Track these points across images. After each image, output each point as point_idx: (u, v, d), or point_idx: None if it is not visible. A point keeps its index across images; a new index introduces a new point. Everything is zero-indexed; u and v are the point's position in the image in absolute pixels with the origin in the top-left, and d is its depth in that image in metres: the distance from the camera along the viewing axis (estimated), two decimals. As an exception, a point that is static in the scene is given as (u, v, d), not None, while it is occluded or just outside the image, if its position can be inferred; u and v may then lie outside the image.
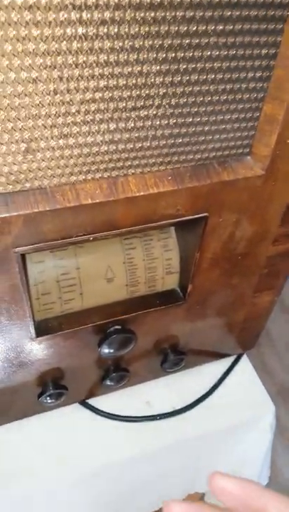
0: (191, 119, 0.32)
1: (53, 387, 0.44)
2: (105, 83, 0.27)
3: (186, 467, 0.59)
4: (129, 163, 0.32)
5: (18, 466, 0.47)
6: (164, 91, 0.29)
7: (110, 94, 0.28)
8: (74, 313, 0.41)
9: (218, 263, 0.42)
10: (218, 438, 0.57)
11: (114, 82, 0.28)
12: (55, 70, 0.26)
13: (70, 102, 0.27)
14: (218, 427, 0.55)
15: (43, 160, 0.29)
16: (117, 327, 0.42)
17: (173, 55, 0.28)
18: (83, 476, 0.48)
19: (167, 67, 0.28)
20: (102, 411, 0.52)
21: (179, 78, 0.29)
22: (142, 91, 0.29)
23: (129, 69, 0.27)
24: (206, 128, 0.33)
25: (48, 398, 0.45)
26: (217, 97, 0.31)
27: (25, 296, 0.34)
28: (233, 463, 0.62)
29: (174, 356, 0.49)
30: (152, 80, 0.28)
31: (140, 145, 0.31)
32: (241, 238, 0.41)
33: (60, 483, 0.47)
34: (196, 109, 0.31)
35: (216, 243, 0.40)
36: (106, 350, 0.43)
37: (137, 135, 0.31)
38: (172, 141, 0.32)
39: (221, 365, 0.60)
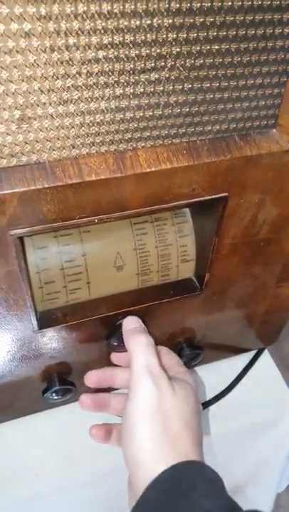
0: (208, 84, 0.28)
1: (59, 383, 0.41)
2: (109, 39, 0.24)
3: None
4: (139, 134, 0.28)
5: (23, 466, 0.44)
6: (178, 50, 0.26)
7: (116, 53, 0.24)
8: (80, 304, 0.38)
9: (238, 250, 0.38)
10: (235, 438, 0.53)
11: (120, 38, 0.24)
12: (51, 21, 0.22)
13: (70, 62, 0.24)
14: (236, 427, 0.52)
15: (41, 130, 0.26)
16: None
17: (188, 5, 0.24)
18: (92, 476, 0.46)
19: (181, 20, 0.24)
20: (113, 408, 0.49)
21: (195, 34, 0.25)
22: (153, 49, 0.25)
23: (137, 22, 0.24)
24: (226, 95, 0.29)
25: (53, 394, 0.42)
26: (239, 58, 0.27)
27: (25, 284, 0.31)
28: (251, 464, 0.59)
29: (189, 351, 0.46)
30: (164, 35, 0.25)
31: (151, 114, 0.28)
32: (264, 222, 0.37)
33: (66, 484, 0.45)
34: (214, 73, 0.27)
35: (236, 227, 0.36)
36: (115, 343, 0.39)
37: (147, 102, 0.27)
38: (187, 110, 0.29)
39: (240, 361, 0.56)
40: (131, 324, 0.37)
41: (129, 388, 0.34)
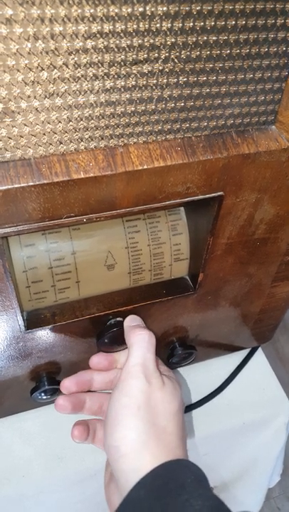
0: (205, 78, 0.26)
1: (47, 383, 0.40)
2: (99, 28, 0.22)
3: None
4: (130, 130, 0.27)
5: (10, 465, 0.44)
6: (173, 40, 0.24)
7: (105, 43, 0.23)
8: (69, 304, 0.37)
9: (233, 249, 0.37)
10: (229, 436, 0.53)
11: (110, 27, 0.22)
12: (35, 7, 0.20)
13: (56, 52, 0.22)
14: (230, 426, 0.51)
15: (25, 124, 0.24)
16: (118, 319, 0.38)
17: (184, -8, 0.22)
18: (80, 476, 0.45)
19: (176, 8, 0.23)
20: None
21: (192, 24, 0.24)
22: (146, 39, 0.23)
23: (129, 9, 0.22)
24: (224, 89, 0.27)
25: (42, 394, 0.41)
26: (238, 51, 0.26)
27: (10, 284, 0.30)
28: (243, 461, 0.58)
29: (182, 350, 0.45)
30: (158, 24, 0.23)
31: (143, 108, 0.26)
32: (261, 221, 0.36)
33: (54, 483, 0.44)
34: (211, 65, 0.26)
35: (231, 227, 0.35)
36: (105, 344, 0.38)
37: (139, 95, 0.26)
38: (182, 105, 0.27)
39: (233, 359, 0.55)
40: (133, 321, 0.37)
41: (120, 379, 0.33)
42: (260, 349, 0.57)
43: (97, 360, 0.38)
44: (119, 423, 0.31)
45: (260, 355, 0.56)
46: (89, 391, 0.40)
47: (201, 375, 0.53)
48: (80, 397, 0.38)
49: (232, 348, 0.53)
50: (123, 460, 0.30)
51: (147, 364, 0.34)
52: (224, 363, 0.54)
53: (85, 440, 0.38)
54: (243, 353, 0.56)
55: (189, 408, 0.50)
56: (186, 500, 0.27)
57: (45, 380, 0.40)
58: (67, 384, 0.38)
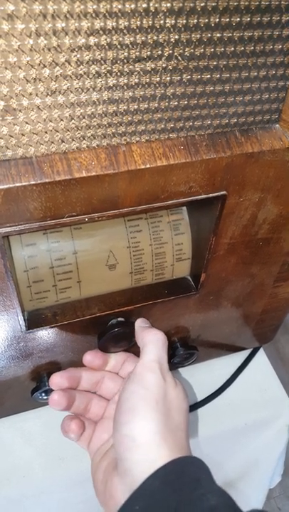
0: (209, 76, 0.26)
1: (48, 383, 0.40)
2: (102, 24, 0.22)
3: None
4: (133, 128, 0.27)
5: (11, 466, 0.43)
6: (177, 37, 0.24)
7: (108, 40, 0.22)
8: (71, 304, 0.36)
9: (236, 249, 0.37)
10: (230, 437, 0.52)
11: (114, 23, 0.22)
12: (36, 3, 0.20)
13: (58, 49, 0.22)
14: (231, 426, 0.51)
15: (27, 123, 0.24)
16: (119, 319, 0.38)
17: (188, -12, 0.22)
18: (81, 476, 0.45)
19: (180, 4, 0.22)
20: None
21: (196, 20, 0.23)
22: (149, 36, 0.23)
23: (132, 5, 0.22)
24: (228, 87, 0.27)
25: (42, 394, 0.41)
26: (242, 48, 0.25)
27: (11, 284, 0.30)
28: (245, 461, 0.58)
29: (183, 351, 0.45)
30: (162, 21, 0.23)
31: (146, 106, 0.26)
32: (264, 221, 0.35)
33: (55, 484, 0.44)
34: (215, 63, 0.26)
35: (234, 226, 0.34)
36: (107, 344, 0.38)
37: (142, 93, 0.25)
38: (186, 103, 0.27)
39: (235, 360, 0.55)
40: (145, 323, 0.38)
41: (135, 372, 0.34)
42: (261, 349, 0.57)
43: (91, 358, 0.38)
44: (138, 414, 0.31)
45: (261, 356, 0.56)
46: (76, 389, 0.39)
47: (203, 375, 0.53)
48: (72, 394, 0.38)
49: (234, 349, 0.53)
50: (138, 450, 0.30)
51: (162, 362, 0.35)
52: (226, 364, 0.54)
53: (79, 437, 0.38)
54: (245, 354, 0.56)
55: (191, 408, 0.50)
56: (203, 495, 0.27)
57: (46, 380, 0.40)
58: (59, 379, 0.37)
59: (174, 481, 0.28)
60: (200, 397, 0.51)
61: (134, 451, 0.30)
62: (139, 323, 0.38)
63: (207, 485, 0.28)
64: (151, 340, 0.35)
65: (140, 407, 0.32)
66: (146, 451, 0.30)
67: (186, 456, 0.30)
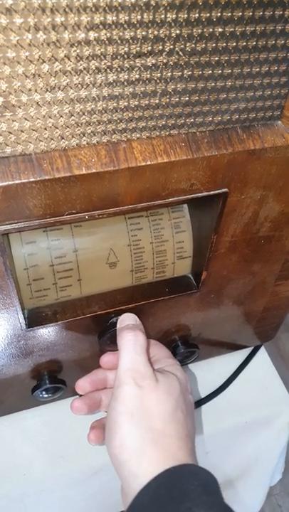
0: (210, 71, 0.26)
1: (49, 381, 0.40)
2: (101, 19, 0.21)
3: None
4: (134, 125, 0.26)
5: (12, 464, 0.43)
6: (178, 32, 0.23)
7: (108, 35, 0.22)
8: (71, 302, 0.36)
9: (237, 247, 0.37)
10: (231, 435, 0.52)
11: (114, 18, 0.22)
12: (36, -3, 0.20)
13: (57, 43, 0.22)
14: (232, 424, 0.51)
15: (26, 119, 0.24)
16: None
17: (189, -19, 0.22)
18: (82, 474, 0.44)
19: (182, -2, 0.22)
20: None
21: (197, 15, 0.23)
22: (150, 31, 0.23)
23: (133, 0, 0.21)
24: (229, 83, 0.27)
25: (43, 393, 0.40)
26: (244, 43, 0.25)
27: (11, 282, 0.29)
28: (245, 459, 0.58)
29: (184, 349, 0.45)
30: (163, 15, 0.22)
31: (147, 102, 0.26)
32: (266, 219, 0.35)
33: (56, 482, 0.44)
34: (217, 58, 0.25)
35: (235, 224, 0.34)
36: (107, 342, 0.38)
37: (142, 89, 0.25)
38: (187, 99, 0.26)
39: (236, 358, 0.55)
40: (124, 322, 0.36)
41: (114, 386, 0.33)
42: (263, 348, 0.56)
43: (107, 359, 0.38)
44: (116, 431, 0.31)
45: (262, 354, 0.56)
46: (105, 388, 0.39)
47: (204, 373, 0.53)
48: (95, 396, 0.38)
49: (235, 347, 0.53)
50: (123, 467, 0.30)
51: (136, 367, 0.32)
52: (227, 362, 0.54)
53: (102, 442, 0.37)
54: (246, 352, 0.55)
55: (191, 407, 0.50)
56: (189, 509, 0.26)
57: (46, 379, 0.40)
58: (82, 384, 0.38)
59: (162, 496, 0.27)
60: (201, 396, 0.51)
61: (120, 469, 0.30)
62: (118, 325, 0.36)
63: (196, 497, 0.27)
64: (123, 345, 0.33)
65: (117, 424, 0.31)
66: (130, 468, 0.29)
67: (177, 466, 0.29)
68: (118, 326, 0.36)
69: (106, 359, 0.38)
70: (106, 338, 0.37)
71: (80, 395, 0.38)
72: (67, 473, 0.44)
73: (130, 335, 0.33)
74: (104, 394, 0.39)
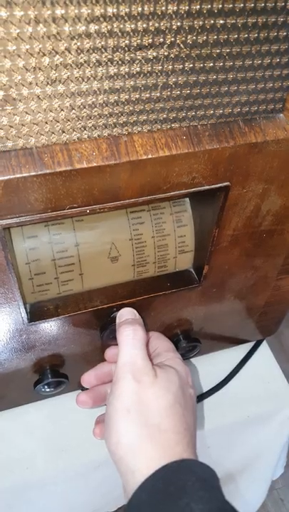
0: (212, 64, 0.25)
1: (51, 376, 0.40)
2: (102, 11, 0.21)
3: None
4: (135, 118, 0.26)
5: (14, 457, 0.44)
6: (179, 24, 0.23)
7: (109, 27, 0.22)
8: (73, 296, 0.36)
9: (239, 241, 0.36)
10: (233, 430, 0.52)
11: (114, 10, 0.21)
12: (36, -11, 0.20)
13: (57, 37, 0.21)
14: (234, 419, 0.51)
15: (27, 113, 0.24)
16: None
17: (190, -27, 0.21)
18: (84, 468, 0.45)
19: (183, -10, 0.22)
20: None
21: (198, 7, 0.23)
22: (150, 23, 0.23)
23: (134, -9, 0.21)
24: (231, 76, 0.27)
25: (45, 387, 0.41)
26: (246, 35, 0.25)
27: (12, 276, 0.30)
28: (247, 454, 0.58)
29: (186, 343, 0.45)
30: (163, 7, 0.22)
31: (148, 96, 0.25)
32: (268, 213, 0.35)
33: (58, 475, 0.44)
34: (218, 51, 0.25)
35: (237, 218, 0.34)
36: (109, 336, 0.38)
37: (143, 82, 0.25)
38: (188, 92, 0.26)
39: (238, 352, 0.55)
40: (123, 316, 0.36)
41: (112, 382, 0.33)
42: (265, 342, 0.56)
43: (112, 352, 0.38)
44: (113, 428, 0.31)
45: (265, 349, 0.56)
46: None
47: (206, 368, 0.53)
48: (100, 389, 0.38)
49: (237, 341, 0.53)
50: (121, 463, 0.30)
51: (134, 361, 0.32)
52: (229, 356, 0.54)
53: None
54: (248, 346, 0.55)
55: (193, 401, 0.50)
56: (186, 504, 0.26)
57: (48, 373, 0.40)
58: (87, 377, 0.38)
59: (159, 492, 0.27)
60: (203, 390, 0.51)
61: (118, 465, 0.30)
62: (117, 320, 0.36)
63: (193, 492, 0.27)
64: (121, 340, 0.33)
65: (114, 420, 0.31)
66: (127, 464, 0.29)
67: (175, 461, 0.29)
68: (117, 320, 0.36)
69: (111, 353, 0.38)
70: (108, 332, 0.38)
71: (84, 389, 0.38)
72: (69, 467, 0.44)
73: (129, 329, 0.33)
74: (109, 387, 0.39)
